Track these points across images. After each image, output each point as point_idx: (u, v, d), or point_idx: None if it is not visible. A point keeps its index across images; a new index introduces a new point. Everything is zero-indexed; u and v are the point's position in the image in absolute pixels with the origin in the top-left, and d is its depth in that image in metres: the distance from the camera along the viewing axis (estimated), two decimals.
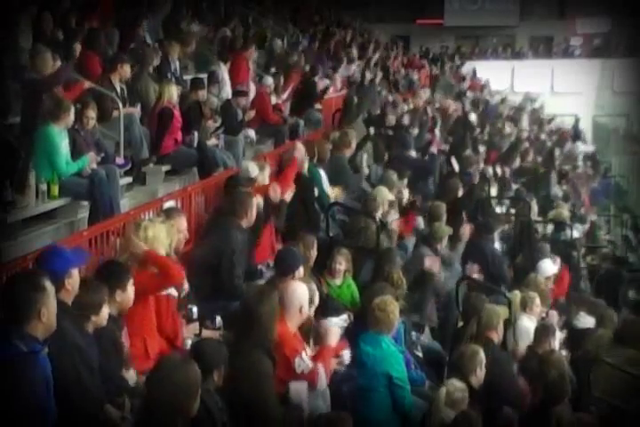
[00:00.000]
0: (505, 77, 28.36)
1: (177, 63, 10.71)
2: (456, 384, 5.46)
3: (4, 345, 3.55)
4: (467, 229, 9.60)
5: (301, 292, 5.43)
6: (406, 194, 10.29)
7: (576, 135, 24.53)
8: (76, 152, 7.21)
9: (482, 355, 5.84)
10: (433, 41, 28.02)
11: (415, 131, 13.26)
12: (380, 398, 5.68)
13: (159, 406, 3.50)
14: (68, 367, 3.98)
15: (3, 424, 3.48)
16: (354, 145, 10.40)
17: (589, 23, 30.75)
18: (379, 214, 8.51)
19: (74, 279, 4.33)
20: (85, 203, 7.18)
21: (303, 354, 5.24)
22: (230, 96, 10.86)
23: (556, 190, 14.98)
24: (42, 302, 3.63)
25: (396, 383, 5.69)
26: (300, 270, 6.14)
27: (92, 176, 7.02)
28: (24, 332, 3.59)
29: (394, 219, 9.05)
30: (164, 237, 5.39)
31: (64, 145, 7.08)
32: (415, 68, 21.18)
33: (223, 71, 11.62)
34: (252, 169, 7.83)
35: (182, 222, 6.02)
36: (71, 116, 7.12)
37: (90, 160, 7.17)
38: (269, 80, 11.97)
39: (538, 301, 7.88)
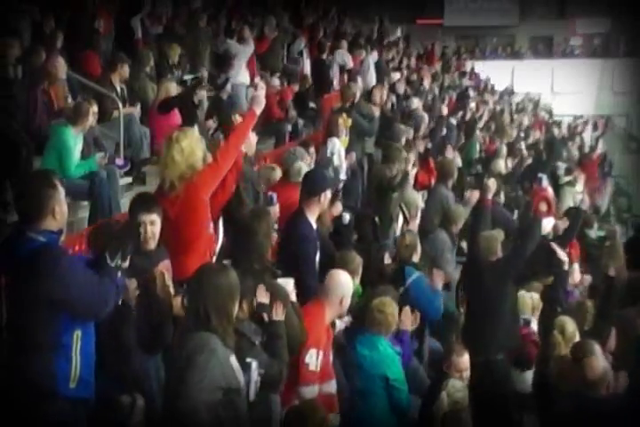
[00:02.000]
0: (505, 77, 28.35)
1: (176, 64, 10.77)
2: (455, 384, 5.46)
3: (21, 242, 3.69)
4: (474, 194, 9.02)
5: (345, 280, 5.28)
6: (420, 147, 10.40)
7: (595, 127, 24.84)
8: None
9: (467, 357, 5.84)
10: (433, 41, 27.92)
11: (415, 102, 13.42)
12: (378, 401, 5.66)
13: (202, 309, 3.64)
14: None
15: (33, 316, 3.63)
16: None
17: (589, 23, 30.73)
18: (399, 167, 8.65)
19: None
20: (85, 203, 7.18)
21: (320, 353, 5.10)
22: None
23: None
24: (55, 198, 3.75)
25: (393, 385, 5.66)
26: (328, 193, 6.04)
27: (92, 176, 7.03)
28: (39, 228, 3.70)
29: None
30: (200, 147, 5.23)
31: (77, 149, 7.10)
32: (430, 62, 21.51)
33: (234, 46, 11.76)
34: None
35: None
36: (90, 121, 7.16)
37: (98, 162, 7.19)
38: (276, 81, 12.04)
39: (541, 305, 7.86)
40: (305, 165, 7.74)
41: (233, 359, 3.78)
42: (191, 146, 5.15)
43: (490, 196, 7.15)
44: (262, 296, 4.49)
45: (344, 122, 9.52)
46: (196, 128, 5.60)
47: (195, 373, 3.56)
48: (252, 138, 6.28)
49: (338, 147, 9.28)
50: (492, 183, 7.25)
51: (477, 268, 6.86)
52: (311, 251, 5.85)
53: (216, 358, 3.63)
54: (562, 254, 7.85)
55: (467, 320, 7.04)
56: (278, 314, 4.53)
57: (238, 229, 5.16)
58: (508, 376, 6.75)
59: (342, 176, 9.11)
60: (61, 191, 3.80)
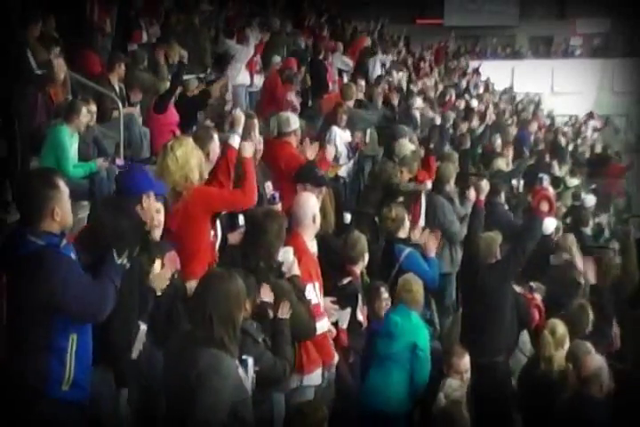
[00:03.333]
0: (505, 77, 28.37)
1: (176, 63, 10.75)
2: (452, 384, 5.48)
3: (20, 244, 3.63)
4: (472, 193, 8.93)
5: (313, 202, 5.48)
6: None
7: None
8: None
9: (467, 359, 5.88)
10: (433, 41, 28.01)
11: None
12: (396, 369, 5.85)
13: (207, 315, 3.61)
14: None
15: (29, 318, 3.60)
16: None
17: (589, 23, 30.74)
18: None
19: (148, 206, 4.26)
20: (85, 203, 7.18)
21: (316, 284, 5.16)
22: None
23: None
24: (55, 200, 3.66)
25: (418, 354, 5.85)
26: (308, 186, 6.20)
27: (92, 176, 7.03)
28: (39, 230, 3.64)
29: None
30: (195, 156, 5.13)
31: (74, 148, 7.08)
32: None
33: (233, 47, 11.77)
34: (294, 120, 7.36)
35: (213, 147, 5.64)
36: (83, 119, 7.14)
37: (99, 166, 7.16)
38: (277, 59, 12.01)
39: None
40: (293, 114, 7.66)
41: (241, 370, 3.76)
42: (186, 155, 5.08)
43: (482, 196, 7.12)
44: (266, 295, 4.50)
45: (343, 111, 9.53)
46: (190, 138, 5.42)
47: (209, 396, 3.54)
48: (249, 144, 6.21)
49: (334, 135, 9.30)
50: (484, 184, 7.24)
51: (476, 270, 6.84)
52: None
53: (230, 379, 3.61)
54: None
55: (466, 322, 6.99)
56: (284, 312, 4.55)
57: (249, 227, 5.17)
58: (509, 378, 6.74)
59: (342, 161, 9.18)
60: (64, 191, 3.71)
